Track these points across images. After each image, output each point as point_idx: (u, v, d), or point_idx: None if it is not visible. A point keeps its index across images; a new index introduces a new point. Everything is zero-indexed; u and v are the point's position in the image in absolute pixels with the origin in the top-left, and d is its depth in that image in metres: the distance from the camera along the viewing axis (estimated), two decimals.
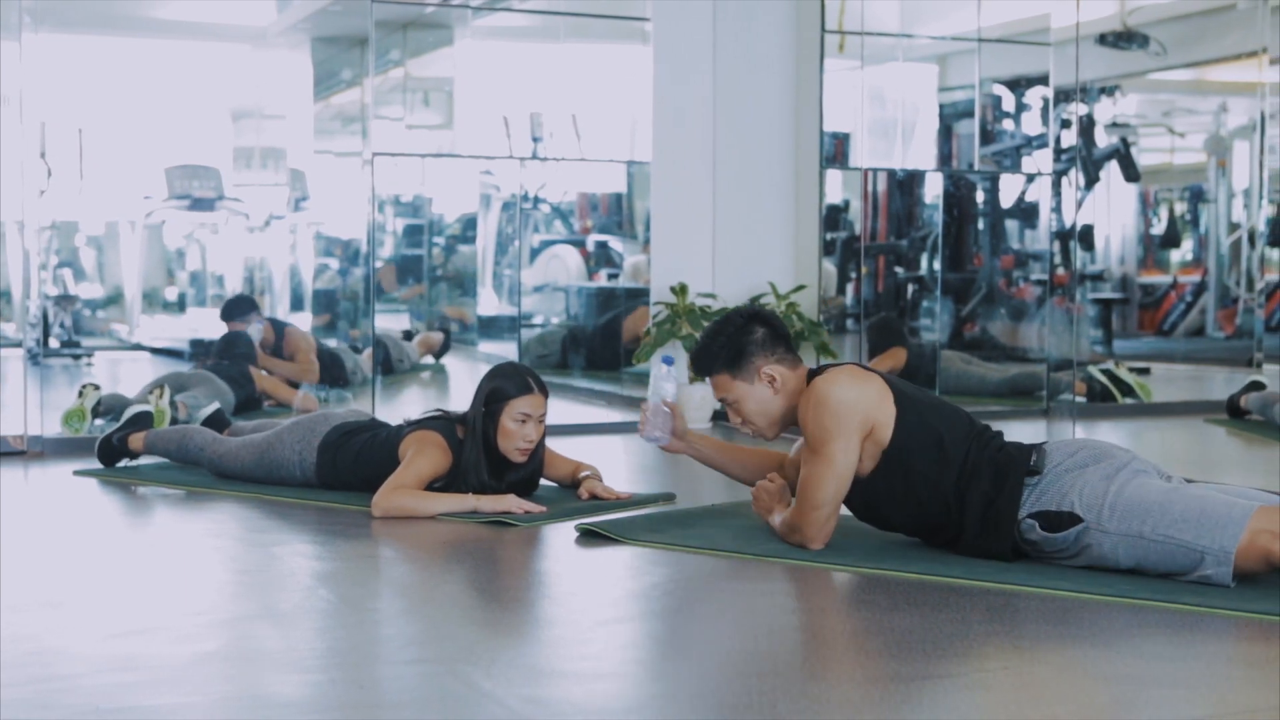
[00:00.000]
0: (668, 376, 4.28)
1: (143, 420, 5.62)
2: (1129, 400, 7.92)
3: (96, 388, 6.31)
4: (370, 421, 5.05)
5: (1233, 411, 7.43)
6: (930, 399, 3.88)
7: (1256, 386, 7.54)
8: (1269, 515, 3.39)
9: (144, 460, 5.55)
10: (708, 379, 3.96)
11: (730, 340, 3.89)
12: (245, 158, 7.32)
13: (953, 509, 3.75)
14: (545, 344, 7.78)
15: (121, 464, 5.52)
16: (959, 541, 3.78)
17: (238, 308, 7.13)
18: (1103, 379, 7.90)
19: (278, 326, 7.13)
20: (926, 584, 3.56)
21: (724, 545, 3.99)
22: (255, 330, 6.96)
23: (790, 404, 3.88)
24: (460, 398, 5.90)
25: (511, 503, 4.44)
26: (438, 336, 7.81)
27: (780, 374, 3.87)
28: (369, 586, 3.74)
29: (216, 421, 5.77)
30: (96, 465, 5.54)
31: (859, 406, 3.71)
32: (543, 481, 4.88)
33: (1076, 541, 3.57)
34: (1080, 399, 7.78)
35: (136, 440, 5.47)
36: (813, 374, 3.88)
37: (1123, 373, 7.99)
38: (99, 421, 6.26)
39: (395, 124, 7.38)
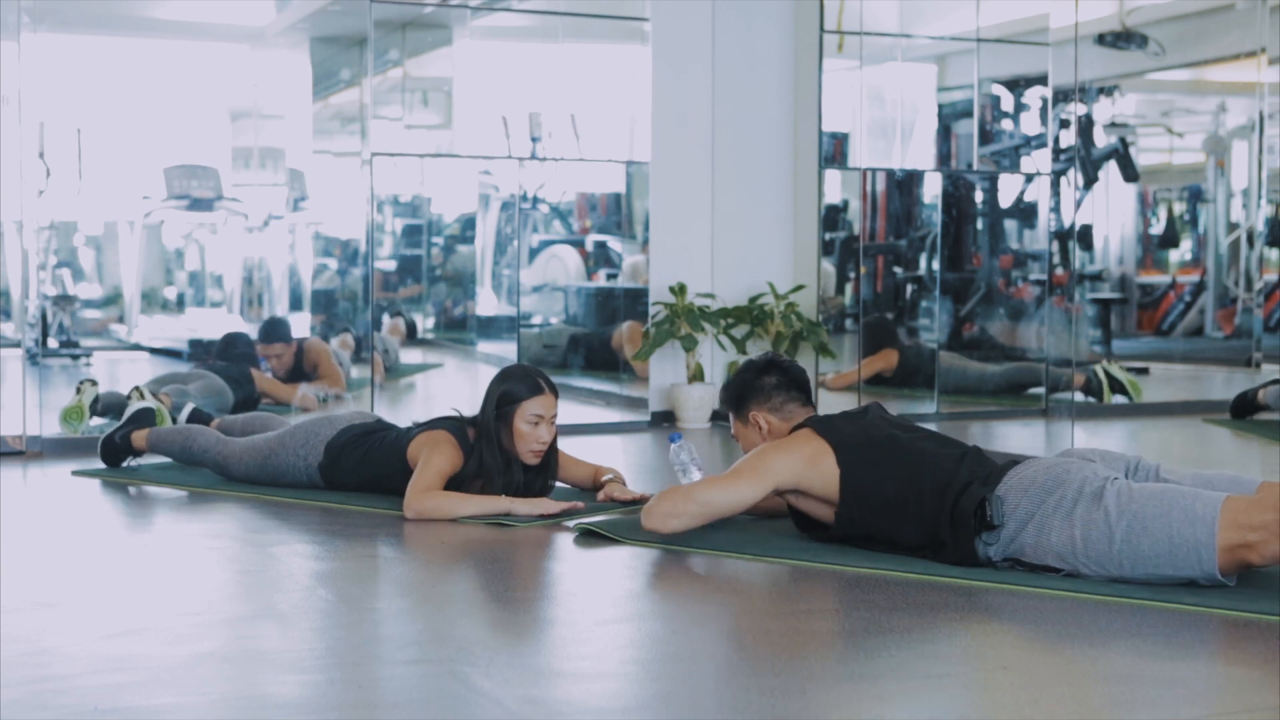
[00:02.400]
0: (683, 451, 4.42)
1: (144, 417, 5.60)
2: (1119, 397, 7.92)
3: (94, 383, 6.32)
4: (377, 423, 5.02)
5: (1241, 409, 7.38)
6: (885, 454, 3.81)
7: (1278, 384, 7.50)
8: (1233, 516, 3.34)
9: (146, 460, 5.55)
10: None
11: (739, 383, 4.21)
12: (244, 158, 7.32)
13: (921, 548, 3.77)
14: (549, 340, 7.77)
15: (126, 463, 5.50)
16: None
17: (274, 332, 7.16)
18: (1100, 376, 7.91)
19: (296, 343, 7.14)
20: (926, 584, 3.56)
21: (723, 545, 3.99)
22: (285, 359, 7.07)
23: None
24: (456, 397, 5.91)
25: (548, 505, 4.42)
26: (399, 323, 7.80)
27: (769, 422, 4.13)
28: (368, 586, 3.74)
29: (198, 418, 5.76)
30: (95, 465, 5.54)
31: (793, 465, 3.84)
32: (558, 484, 4.87)
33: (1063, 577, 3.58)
34: (1079, 395, 7.78)
35: (139, 438, 5.45)
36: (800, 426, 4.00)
37: (1115, 370, 7.99)
38: (96, 421, 6.27)
39: (394, 124, 7.37)
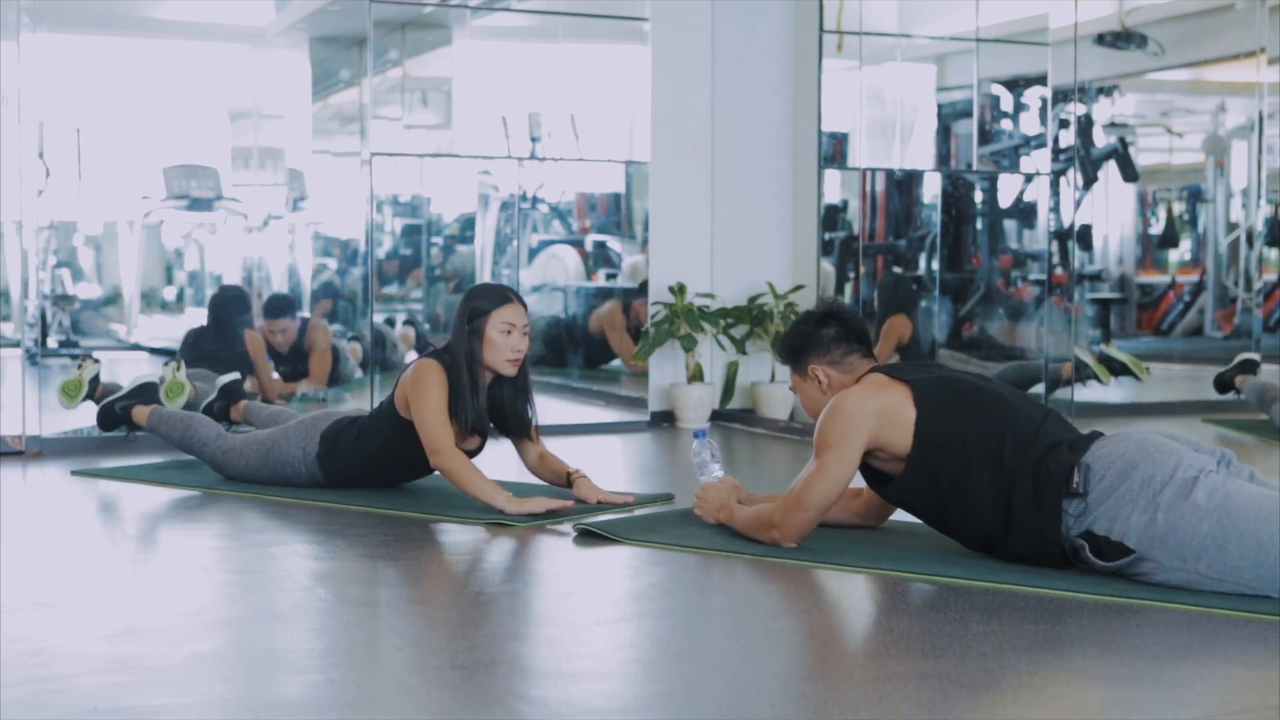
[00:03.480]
0: (705, 450, 4.36)
1: (148, 392, 5.57)
2: (1122, 378, 7.89)
3: (96, 361, 6.23)
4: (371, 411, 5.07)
5: (1222, 387, 7.51)
6: (965, 399, 3.70)
7: (1249, 366, 7.53)
8: None
9: (140, 461, 5.55)
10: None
11: (796, 335, 4.00)
12: (243, 158, 7.31)
13: (997, 518, 3.63)
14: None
15: (122, 433, 5.48)
16: (1006, 549, 3.67)
17: (281, 307, 7.14)
18: (1090, 360, 7.83)
19: (301, 322, 7.14)
20: (926, 584, 3.56)
21: (722, 545, 3.98)
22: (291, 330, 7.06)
23: None
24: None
25: (538, 504, 4.42)
26: (409, 332, 7.80)
27: (829, 375, 3.92)
28: (368, 586, 3.74)
29: (233, 390, 5.74)
30: (95, 465, 5.54)
31: (866, 421, 3.69)
32: (539, 483, 4.87)
33: (1130, 568, 3.46)
34: (1075, 383, 7.77)
35: (140, 414, 5.43)
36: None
37: (1114, 351, 7.95)
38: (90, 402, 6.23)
39: (393, 124, 7.36)
